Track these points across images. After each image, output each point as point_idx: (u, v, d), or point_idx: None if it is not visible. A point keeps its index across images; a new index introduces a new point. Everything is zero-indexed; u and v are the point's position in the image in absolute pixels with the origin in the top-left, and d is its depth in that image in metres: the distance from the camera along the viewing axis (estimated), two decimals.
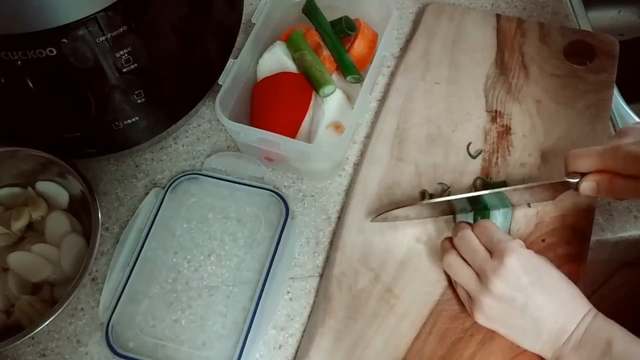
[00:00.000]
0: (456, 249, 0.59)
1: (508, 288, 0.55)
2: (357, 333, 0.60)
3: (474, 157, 0.69)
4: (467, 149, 0.70)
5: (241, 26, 0.78)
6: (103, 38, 0.56)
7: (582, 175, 0.58)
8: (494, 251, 0.56)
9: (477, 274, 0.57)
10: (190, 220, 0.68)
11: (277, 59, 0.72)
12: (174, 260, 0.66)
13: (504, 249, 0.55)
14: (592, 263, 0.66)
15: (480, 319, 0.58)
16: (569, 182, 0.59)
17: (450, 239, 0.61)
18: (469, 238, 0.58)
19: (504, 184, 0.67)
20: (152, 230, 0.67)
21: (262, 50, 0.73)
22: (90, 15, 0.54)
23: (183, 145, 0.74)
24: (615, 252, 0.70)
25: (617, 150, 0.56)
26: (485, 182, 0.68)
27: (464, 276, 0.58)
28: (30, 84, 0.58)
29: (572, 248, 0.63)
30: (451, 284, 0.62)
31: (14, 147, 0.65)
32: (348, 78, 0.72)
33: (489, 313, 0.57)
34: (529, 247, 0.63)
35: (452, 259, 0.59)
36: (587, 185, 0.58)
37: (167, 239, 0.67)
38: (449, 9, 0.81)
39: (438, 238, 0.65)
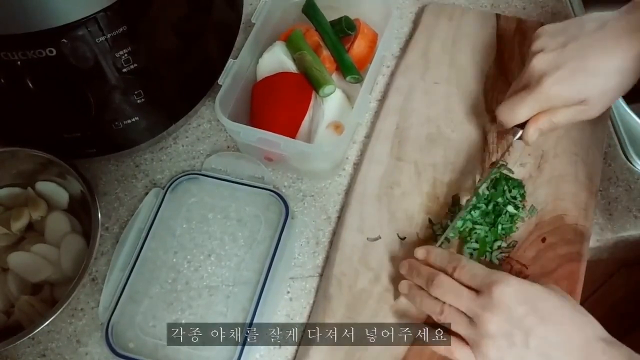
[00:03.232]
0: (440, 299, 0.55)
1: (503, 323, 0.50)
2: None
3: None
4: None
5: (241, 26, 0.78)
6: (103, 38, 0.56)
7: (521, 126, 0.63)
8: (480, 288, 0.53)
9: (469, 318, 0.53)
10: (190, 220, 0.68)
11: (276, 59, 0.72)
12: (174, 260, 0.66)
13: (490, 282, 0.52)
14: (592, 263, 0.66)
15: None
16: (518, 141, 0.64)
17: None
18: (447, 282, 0.55)
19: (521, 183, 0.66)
20: (152, 230, 0.67)
21: (261, 50, 0.73)
22: (90, 15, 0.54)
23: (183, 146, 0.74)
24: (615, 252, 0.69)
25: (550, 94, 0.59)
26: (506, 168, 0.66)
27: (461, 324, 0.53)
28: (30, 84, 0.58)
29: (572, 248, 0.63)
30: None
31: (14, 147, 0.65)
32: (348, 78, 0.72)
33: (492, 356, 0.51)
34: (528, 247, 0.64)
35: (447, 308, 0.54)
36: (532, 134, 0.62)
37: (167, 239, 0.67)
38: (449, 8, 0.81)
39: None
